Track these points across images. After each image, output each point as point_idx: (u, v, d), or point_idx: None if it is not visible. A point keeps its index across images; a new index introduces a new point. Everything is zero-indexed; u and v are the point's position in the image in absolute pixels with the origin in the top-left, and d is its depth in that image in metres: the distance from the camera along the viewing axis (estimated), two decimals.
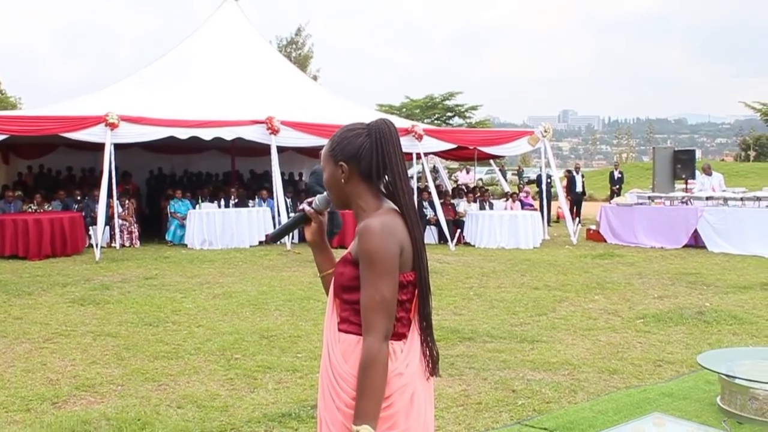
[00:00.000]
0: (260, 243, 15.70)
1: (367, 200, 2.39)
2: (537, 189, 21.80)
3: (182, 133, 15.23)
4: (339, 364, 2.32)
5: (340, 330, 2.36)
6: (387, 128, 2.40)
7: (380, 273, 2.22)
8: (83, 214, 15.42)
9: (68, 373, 6.26)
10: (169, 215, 16.46)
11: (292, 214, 15.75)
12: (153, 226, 17.61)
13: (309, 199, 2.59)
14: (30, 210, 14.87)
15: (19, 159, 20.23)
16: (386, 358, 2.23)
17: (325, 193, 2.54)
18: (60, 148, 19.42)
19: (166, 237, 16.22)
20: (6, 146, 18.03)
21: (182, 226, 15.95)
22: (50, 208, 15.38)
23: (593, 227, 18.10)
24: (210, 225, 15.52)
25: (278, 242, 15.12)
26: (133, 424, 4.97)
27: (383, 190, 2.43)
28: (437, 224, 16.91)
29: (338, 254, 2.49)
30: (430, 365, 2.43)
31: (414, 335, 2.40)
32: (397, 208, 2.38)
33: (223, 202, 16.24)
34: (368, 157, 2.37)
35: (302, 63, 44.62)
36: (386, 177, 2.38)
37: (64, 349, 7.02)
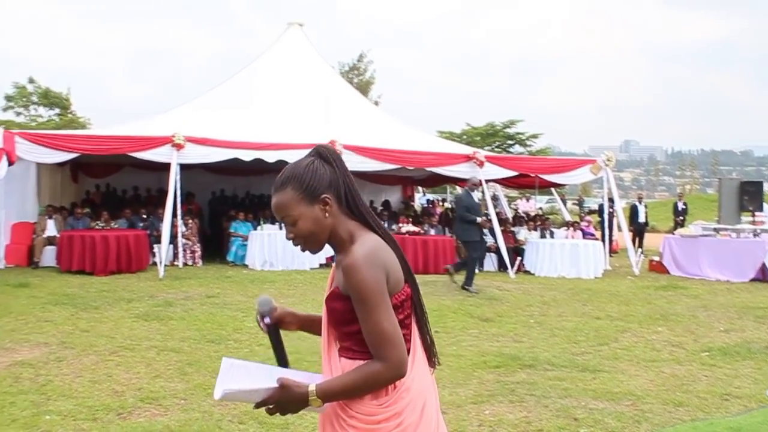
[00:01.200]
0: (320, 266, 15.77)
1: (346, 228, 2.34)
2: (598, 219, 21.52)
3: (246, 155, 15.47)
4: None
5: (342, 356, 2.36)
6: (333, 150, 2.39)
7: (374, 307, 2.19)
8: (148, 232, 15.73)
9: (133, 385, 6.37)
10: (230, 236, 16.68)
11: None
12: (214, 247, 17.86)
13: (259, 319, 2.55)
14: (97, 227, 15.24)
15: (87, 178, 20.77)
16: (384, 386, 2.26)
17: (259, 299, 2.55)
18: (126, 168, 19.90)
19: (228, 257, 16.43)
20: (75, 165, 18.54)
21: (243, 246, 16.14)
22: (116, 226, 15.73)
23: (656, 258, 17.79)
24: (271, 246, 15.67)
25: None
26: None
27: (351, 213, 2.37)
28: (497, 251, 16.80)
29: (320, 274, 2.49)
30: (429, 357, 2.48)
31: (417, 347, 2.41)
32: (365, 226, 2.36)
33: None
34: (337, 183, 2.33)
35: (364, 89, 45.00)
36: (352, 198, 2.36)
37: (129, 362, 7.15)
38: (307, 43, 22.22)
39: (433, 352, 2.53)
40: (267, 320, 2.53)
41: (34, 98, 43.64)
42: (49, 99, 43.68)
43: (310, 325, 2.61)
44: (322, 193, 2.29)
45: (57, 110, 44.46)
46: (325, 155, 2.36)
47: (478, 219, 13.13)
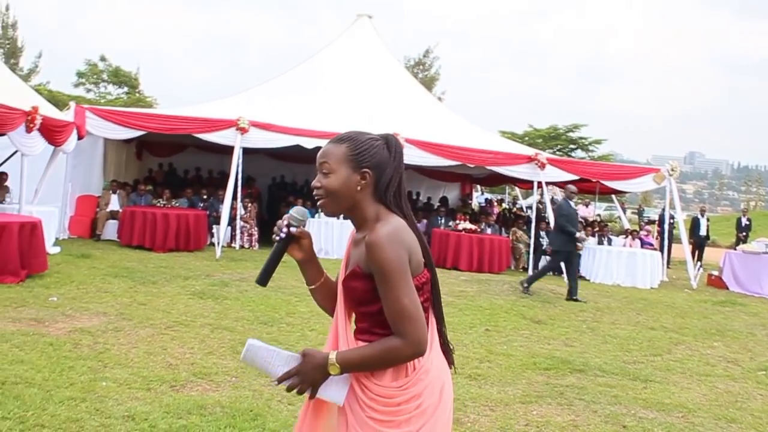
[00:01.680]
0: None
1: (371, 209, 2.38)
2: (658, 229, 21.17)
3: (308, 143, 15.58)
4: (363, 381, 2.34)
5: (358, 339, 2.40)
6: (399, 144, 2.44)
7: (396, 283, 2.22)
8: (207, 212, 15.97)
9: (186, 360, 6.49)
10: None
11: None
12: (271, 231, 18.01)
13: (285, 221, 2.49)
14: (159, 204, 15.52)
15: (151, 156, 21.17)
16: (403, 362, 2.30)
17: (296, 209, 2.54)
18: (189, 149, 20.23)
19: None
20: (140, 143, 18.92)
21: None
22: (177, 205, 16.00)
23: (715, 273, 17.45)
24: (328, 234, 15.78)
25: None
26: (245, 414, 5.11)
27: (383, 200, 2.41)
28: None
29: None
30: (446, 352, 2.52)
31: (434, 332, 2.46)
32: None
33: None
34: (387, 170, 2.38)
35: (428, 84, 44.93)
36: (395, 193, 2.41)
37: (183, 338, 7.28)
38: (375, 35, 22.28)
39: (449, 347, 2.57)
40: (292, 230, 2.49)
41: (105, 76, 44.56)
42: (118, 77, 44.57)
43: (317, 275, 2.60)
44: (366, 167, 2.34)
45: (125, 89, 45.34)
46: (390, 143, 2.42)
47: (578, 233, 12.84)
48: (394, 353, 2.25)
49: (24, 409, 4.80)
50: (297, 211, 2.52)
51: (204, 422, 4.86)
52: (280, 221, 2.49)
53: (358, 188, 2.34)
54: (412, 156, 15.50)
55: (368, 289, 2.31)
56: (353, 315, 2.49)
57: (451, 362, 2.54)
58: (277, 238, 2.49)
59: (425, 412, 2.31)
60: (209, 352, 6.79)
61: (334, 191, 2.34)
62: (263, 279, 2.53)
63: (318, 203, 2.39)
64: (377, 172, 2.36)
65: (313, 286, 2.61)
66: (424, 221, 17.84)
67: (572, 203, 13.00)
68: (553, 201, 20.29)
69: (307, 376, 2.31)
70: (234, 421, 4.92)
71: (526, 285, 12.78)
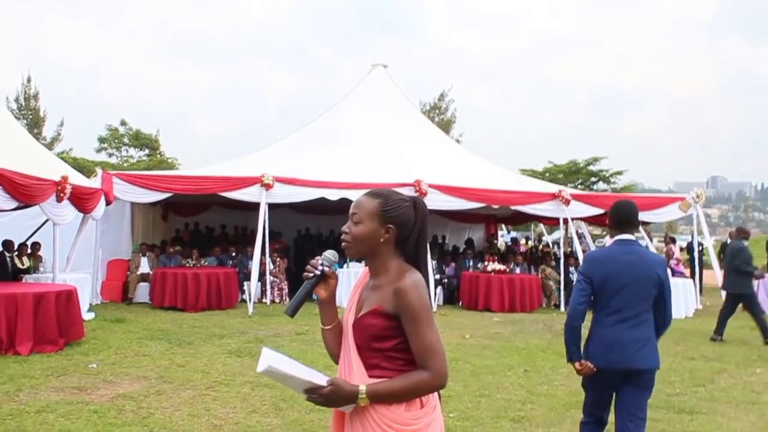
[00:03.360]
0: None
1: (392, 260, 2.65)
2: (687, 257, 20.98)
3: (332, 195, 15.70)
4: (378, 407, 2.53)
5: (372, 376, 2.57)
6: (425, 208, 2.73)
7: (425, 323, 2.51)
8: (237, 270, 16.06)
9: (230, 419, 6.51)
10: None
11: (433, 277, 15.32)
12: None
13: (318, 261, 2.75)
14: (188, 264, 15.64)
15: (177, 216, 21.34)
16: (426, 394, 2.58)
17: (329, 251, 2.77)
18: (214, 207, 20.39)
19: (313, 296, 16.55)
20: (166, 204, 19.10)
21: None
22: (206, 264, 16.10)
23: None
24: (342, 280, 15.76)
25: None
26: None
27: (403, 254, 2.68)
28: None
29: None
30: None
31: None
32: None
33: None
34: (410, 230, 2.66)
35: (445, 127, 45.08)
36: (413, 248, 2.68)
37: (225, 397, 7.30)
38: (391, 84, 22.51)
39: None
40: (325, 269, 2.73)
41: (126, 140, 45.14)
42: (139, 140, 45.10)
43: (334, 317, 2.83)
44: (392, 223, 2.62)
45: (146, 151, 45.88)
46: (417, 205, 2.71)
47: (756, 271, 12.53)
48: (422, 385, 2.52)
49: None
50: (330, 252, 2.76)
51: None
52: (313, 260, 2.75)
53: (381, 240, 2.62)
54: (437, 201, 15.54)
55: (387, 327, 2.56)
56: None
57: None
58: (311, 275, 2.73)
59: None
60: (252, 411, 6.80)
61: (360, 239, 2.63)
62: (292, 311, 2.78)
63: (343, 245, 2.69)
64: (400, 229, 2.64)
65: (328, 327, 2.83)
66: (452, 265, 17.82)
67: (745, 243, 12.56)
68: (579, 234, 20.21)
69: (333, 402, 2.54)
70: None
71: (716, 336, 12.34)
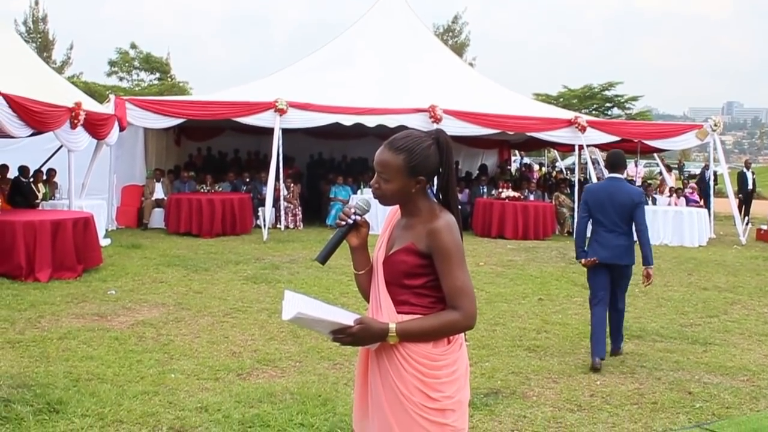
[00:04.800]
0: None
1: (424, 204, 2.67)
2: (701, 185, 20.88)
3: (347, 120, 15.59)
4: (406, 343, 2.58)
5: (400, 312, 2.63)
6: (449, 141, 2.70)
7: (457, 263, 2.56)
8: (251, 195, 16.09)
9: (249, 347, 6.60)
10: (330, 200, 16.89)
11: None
12: (313, 210, 18.12)
13: (350, 209, 2.78)
14: (202, 190, 15.66)
15: (190, 141, 21.27)
16: (456, 334, 2.64)
17: (360, 198, 2.81)
18: (227, 132, 20.29)
19: (327, 221, 16.64)
20: (179, 129, 19.03)
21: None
22: (220, 189, 16.12)
23: (764, 227, 17.20)
24: (372, 211, 15.75)
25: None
26: (314, 399, 5.19)
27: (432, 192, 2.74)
28: None
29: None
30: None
31: None
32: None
33: None
34: (437, 171, 2.68)
35: (458, 50, 44.39)
36: (443, 186, 2.71)
37: (242, 324, 7.39)
38: (405, 6, 22.08)
39: None
40: (356, 218, 2.77)
41: (136, 63, 44.79)
42: (150, 64, 44.73)
43: (366, 262, 2.85)
44: (421, 175, 2.62)
45: (157, 75, 45.54)
46: (441, 143, 2.67)
47: None
48: (452, 325, 2.57)
49: (101, 405, 4.93)
50: (362, 200, 2.79)
51: (276, 410, 4.94)
52: (346, 209, 2.79)
53: (413, 191, 2.64)
54: (452, 127, 15.38)
55: (418, 264, 2.60)
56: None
57: None
58: (343, 223, 2.76)
59: (458, 380, 2.63)
60: (270, 338, 6.89)
61: (392, 194, 2.66)
62: (323, 258, 2.79)
63: (375, 197, 2.73)
64: (430, 176, 2.66)
65: (361, 272, 2.85)
66: (466, 191, 17.79)
67: None
68: (594, 161, 20.08)
69: (362, 341, 2.59)
70: (305, 407, 5.00)
71: None
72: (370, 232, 2.83)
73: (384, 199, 2.69)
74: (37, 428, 4.52)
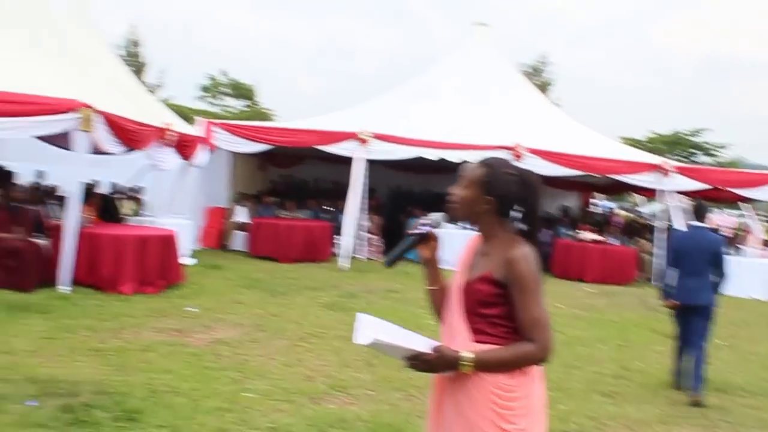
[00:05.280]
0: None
1: (502, 232, 2.69)
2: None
3: (430, 154, 15.62)
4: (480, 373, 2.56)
5: (476, 341, 2.62)
6: (535, 182, 2.74)
7: (533, 294, 2.54)
8: (331, 224, 16.22)
9: (323, 372, 6.62)
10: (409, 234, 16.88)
11: None
12: (392, 241, 18.13)
13: (425, 220, 2.85)
14: (283, 216, 15.85)
15: (273, 167, 21.61)
16: (530, 365, 2.60)
17: (436, 213, 2.87)
18: (309, 160, 20.54)
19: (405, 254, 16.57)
20: (263, 155, 19.37)
21: None
22: (301, 216, 16.29)
23: None
24: (450, 245, 15.68)
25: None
26: (386, 428, 5.17)
27: (515, 225, 2.72)
28: None
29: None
30: None
31: None
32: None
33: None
34: (511, 203, 2.68)
35: (543, 90, 44.25)
36: (521, 218, 2.71)
37: (318, 349, 7.42)
38: (492, 44, 22.10)
39: None
40: (427, 229, 2.82)
41: (225, 89, 45.99)
42: (238, 90, 45.91)
43: (438, 278, 2.91)
44: (491, 195, 2.66)
45: (245, 101, 46.64)
46: (525, 180, 2.70)
47: None
48: (527, 357, 2.55)
49: (175, 417, 5.01)
50: (437, 214, 2.86)
51: None
52: (421, 218, 2.87)
53: (481, 209, 2.68)
54: (534, 166, 15.19)
55: (494, 294, 2.60)
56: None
57: None
58: (415, 231, 2.83)
59: (531, 413, 2.60)
60: (344, 365, 6.90)
61: (462, 203, 2.72)
62: (391, 262, 2.88)
63: (449, 205, 2.76)
64: (501, 201, 2.67)
65: (435, 287, 2.91)
66: (548, 232, 17.55)
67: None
68: (678, 210, 19.55)
69: (436, 368, 2.61)
70: None
71: None
72: (445, 267, 2.89)
73: (455, 208, 2.74)
74: None
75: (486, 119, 17.43)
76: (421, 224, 2.83)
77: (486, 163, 2.72)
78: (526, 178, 2.70)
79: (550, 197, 23.96)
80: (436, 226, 2.84)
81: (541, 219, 2.74)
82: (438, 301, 2.89)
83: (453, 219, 2.84)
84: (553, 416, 5.77)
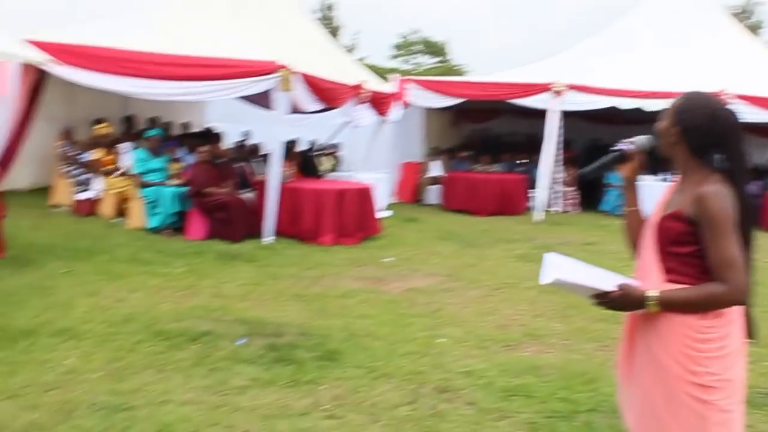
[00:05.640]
0: None
1: (694, 166, 2.59)
2: None
3: (625, 103, 15.03)
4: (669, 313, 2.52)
5: (668, 280, 2.56)
6: (731, 121, 2.57)
7: (724, 233, 2.42)
8: (526, 177, 16.05)
9: (516, 321, 6.62)
10: (606, 186, 16.40)
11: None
12: (589, 194, 17.67)
13: (630, 139, 2.81)
14: (477, 170, 15.88)
15: (466, 122, 21.63)
16: (721, 308, 2.48)
17: (645, 137, 2.80)
18: (503, 114, 20.37)
19: (602, 206, 16.15)
20: (457, 111, 19.42)
21: (620, 197, 15.77)
22: (495, 169, 16.24)
23: None
24: (648, 199, 15.09)
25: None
26: (579, 378, 5.09)
27: (714, 164, 2.58)
28: None
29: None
30: (747, 327, 2.63)
31: None
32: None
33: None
34: (700, 140, 2.57)
35: (753, 33, 41.18)
36: (720, 158, 2.57)
37: (512, 299, 7.43)
38: None
39: (754, 324, 2.67)
40: (627, 148, 2.82)
41: (418, 47, 46.40)
42: (430, 48, 46.18)
43: (635, 200, 2.90)
44: (678, 127, 2.59)
45: (437, 58, 46.85)
46: (716, 117, 2.56)
47: None
48: (716, 298, 2.45)
49: (372, 359, 5.21)
50: (644, 136, 2.81)
51: (539, 383, 4.93)
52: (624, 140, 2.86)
53: (670, 141, 2.62)
54: (743, 113, 14.20)
55: (685, 232, 2.52)
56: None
57: (749, 335, 2.64)
58: (617, 148, 2.84)
59: (726, 357, 2.49)
60: (538, 315, 6.86)
61: (659, 133, 2.69)
62: (588, 174, 3.08)
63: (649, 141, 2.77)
64: (687, 136, 2.58)
65: (633, 208, 2.89)
66: (757, 182, 16.44)
67: None
68: None
69: (622, 307, 2.62)
70: (568, 384, 4.94)
71: None
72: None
73: (657, 137, 2.72)
74: (315, 372, 4.89)
75: (689, 65, 16.47)
76: (624, 142, 2.82)
77: (686, 96, 2.64)
78: (720, 115, 2.57)
79: (761, 147, 22.41)
80: (641, 147, 2.80)
81: (747, 165, 2.60)
82: (634, 227, 2.86)
83: (657, 149, 2.76)
84: (759, 372, 5.48)
